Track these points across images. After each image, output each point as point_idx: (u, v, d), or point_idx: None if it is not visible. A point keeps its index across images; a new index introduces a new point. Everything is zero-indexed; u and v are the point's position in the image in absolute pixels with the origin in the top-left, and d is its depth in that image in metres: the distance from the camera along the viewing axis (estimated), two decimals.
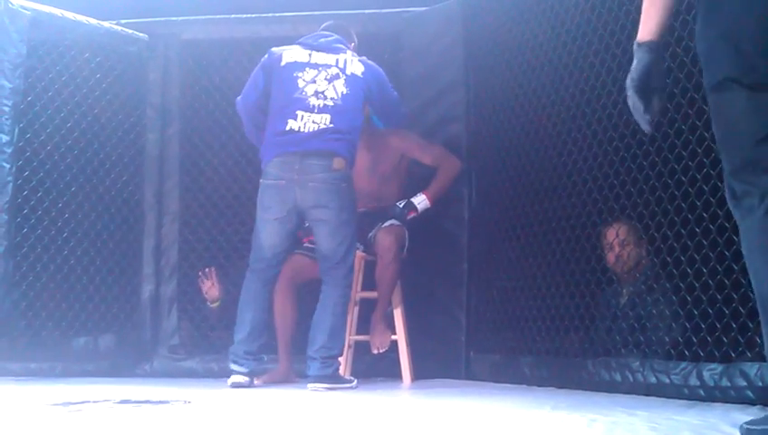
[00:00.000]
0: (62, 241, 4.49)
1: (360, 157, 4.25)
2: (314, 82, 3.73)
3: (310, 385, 3.62)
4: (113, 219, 4.65)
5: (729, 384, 2.72)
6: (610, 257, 3.58)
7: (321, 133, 3.66)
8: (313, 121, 3.67)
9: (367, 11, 4.72)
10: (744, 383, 2.67)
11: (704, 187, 2.94)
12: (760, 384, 2.62)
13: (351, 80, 3.75)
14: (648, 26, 2.11)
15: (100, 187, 4.63)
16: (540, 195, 3.79)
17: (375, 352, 4.11)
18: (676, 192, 3.07)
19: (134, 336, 4.59)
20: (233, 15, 4.78)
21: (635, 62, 2.11)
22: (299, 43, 3.85)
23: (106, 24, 4.64)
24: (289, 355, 4.06)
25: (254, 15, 4.76)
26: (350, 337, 4.16)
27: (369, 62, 3.90)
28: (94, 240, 4.57)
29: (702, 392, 2.81)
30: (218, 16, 4.81)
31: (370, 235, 4.18)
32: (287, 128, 3.68)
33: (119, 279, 4.63)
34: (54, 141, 4.50)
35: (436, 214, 4.28)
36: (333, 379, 3.64)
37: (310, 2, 4.69)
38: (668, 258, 3.13)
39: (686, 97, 3.04)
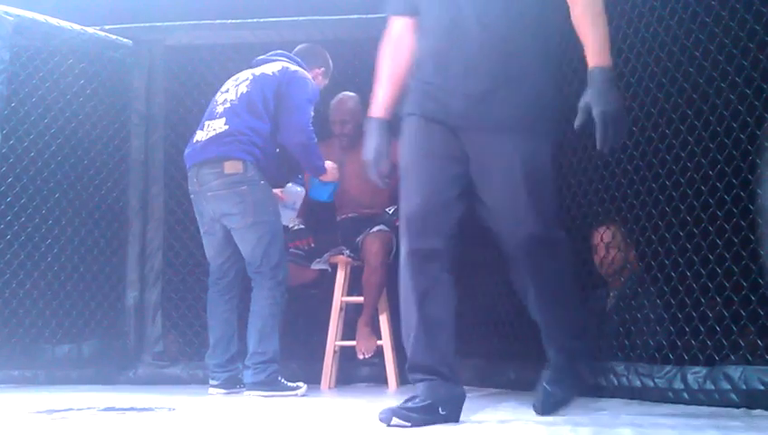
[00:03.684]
0: (46, 248, 4.46)
1: (352, 164, 4.23)
2: (227, 91, 3.73)
3: (245, 392, 3.60)
4: (97, 226, 4.63)
5: (713, 387, 2.73)
6: (596, 259, 3.59)
7: (213, 140, 3.60)
8: (213, 128, 3.64)
9: (352, 16, 4.72)
10: (729, 386, 2.68)
11: (687, 190, 2.96)
12: (744, 387, 2.63)
13: (258, 79, 3.67)
14: (377, 104, 2.59)
15: (84, 193, 4.60)
16: None
17: (361, 357, 4.10)
18: (660, 196, 3.09)
19: (118, 343, 4.56)
20: (217, 21, 4.77)
21: (373, 139, 2.63)
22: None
23: (90, 29, 4.61)
24: None
25: (238, 21, 4.75)
26: (336, 343, 4.16)
27: (302, 72, 3.76)
28: (78, 247, 4.55)
29: (686, 396, 2.81)
30: (203, 22, 4.80)
31: (358, 239, 4.18)
32: (194, 140, 3.70)
33: (103, 286, 4.61)
34: (38, 148, 4.47)
35: None
36: (269, 385, 3.55)
37: (295, 8, 4.69)
38: (653, 262, 3.14)
39: (670, 102, 3.05)
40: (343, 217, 4.35)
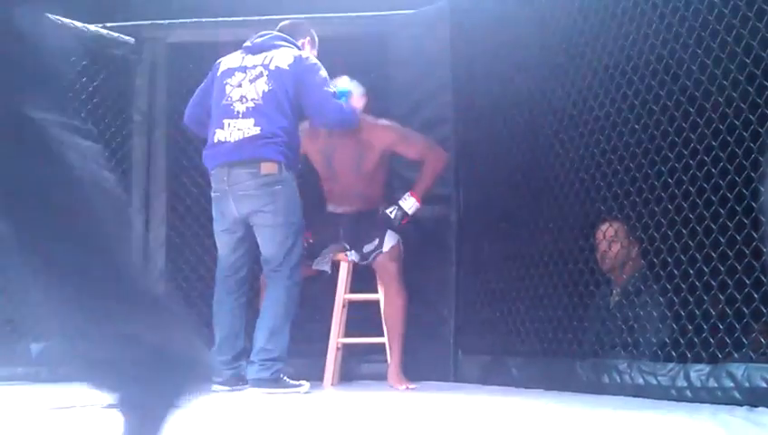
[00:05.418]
0: None
1: (344, 155, 4.16)
2: (240, 86, 3.70)
3: (248, 388, 3.60)
4: None
5: (716, 385, 2.73)
6: (599, 255, 3.59)
7: (246, 142, 3.60)
8: (238, 129, 3.63)
9: (354, 14, 4.72)
10: (731, 384, 2.69)
11: (690, 188, 2.96)
12: (747, 385, 2.64)
13: (275, 74, 3.66)
14: None
15: None
16: (528, 196, 3.80)
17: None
18: (663, 194, 3.09)
19: None
20: (220, 19, 4.77)
21: None
22: (241, 48, 3.85)
23: (92, 27, 4.61)
24: None
25: (240, 19, 4.75)
26: (338, 340, 4.15)
27: (306, 55, 3.79)
28: None
29: (689, 393, 2.82)
30: (205, 20, 4.80)
31: (367, 250, 4.09)
32: (215, 140, 3.69)
33: None
34: None
35: (424, 216, 4.27)
36: (273, 382, 3.55)
37: (296, 5, 4.69)
38: (656, 260, 3.14)
39: (673, 99, 3.05)
40: (341, 211, 4.23)
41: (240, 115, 3.65)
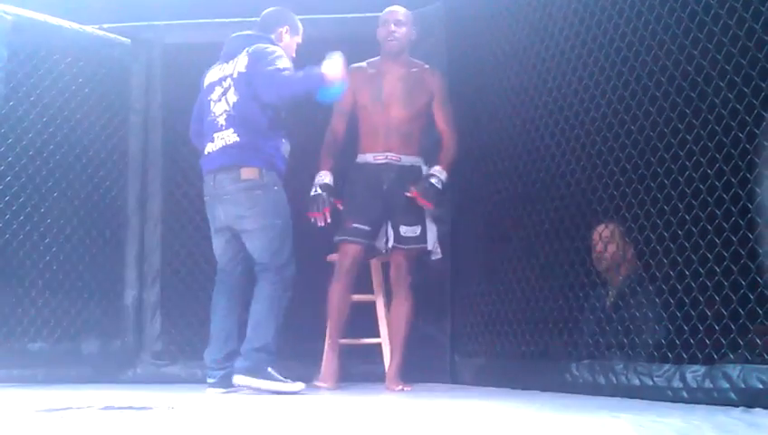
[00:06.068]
0: (45, 246, 4.46)
1: (396, 86, 4.07)
2: (219, 100, 3.77)
3: (234, 377, 3.61)
4: (96, 224, 4.62)
5: (712, 386, 2.73)
6: (595, 256, 3.59)
7: (226, 150, 3.68)
8: (221, 138, 3.72)
9: (350, 15, 4.72)
10: (727, 385, 2.69)
11: (686, 190, 2.96)
12: (742, 386, 2.64)
13: (238, 82, 3.70)
14: None
15: (82, 192, 4.60)
16: (523, 198, 3.80)
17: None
18: (659, 195, 3.09)
19: (117, 342, 4.56)
20: (216, 20, 4.77)
21: None
22: (219, 57, 3.89)
23: (88, 28, 4.61)
24: (336, 353, 4.03)
25: (237, 20, 4.74)
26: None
27: (263, 46, 3.73)
28: (77, 245, 4.55)
29: (685, 394, 2.82)
30: (201, 20, 4.80)
31: (405, 233, 3.99)
32: (206, 151, 3.79)
33: (102, 284, 4.61)
34: (36, 146, 4.47)
35: None
36: (255, 372, 3.56)
37: (293, 6, 4.69)
38: (651, 261, 3.14)
39: (669, 100, 3.05)
40: (382, 161, 4.03)
41: (223, 128, 3.73)
